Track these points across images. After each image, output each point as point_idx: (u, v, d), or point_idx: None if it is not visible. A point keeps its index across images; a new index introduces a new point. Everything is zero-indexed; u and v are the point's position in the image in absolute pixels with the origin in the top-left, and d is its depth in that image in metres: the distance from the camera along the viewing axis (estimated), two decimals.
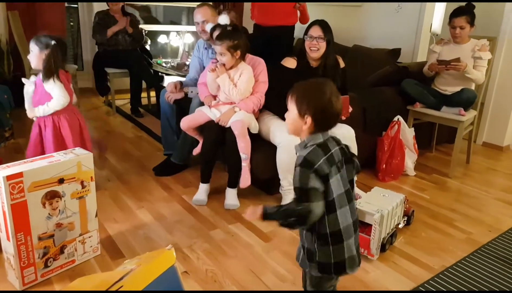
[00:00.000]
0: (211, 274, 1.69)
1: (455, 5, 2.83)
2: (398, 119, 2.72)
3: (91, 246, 1.73)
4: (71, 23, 4.75)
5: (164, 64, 4.09)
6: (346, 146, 1.21)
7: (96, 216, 1.73)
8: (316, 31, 2.27)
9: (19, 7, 3.83)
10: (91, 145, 2.20)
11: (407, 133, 2.75)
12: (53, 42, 1.98)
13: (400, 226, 2.04)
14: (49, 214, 1.55)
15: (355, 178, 1.24)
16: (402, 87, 2.91)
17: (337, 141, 1.19)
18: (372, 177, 2.75)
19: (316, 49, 2.27)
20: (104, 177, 2.55)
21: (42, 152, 2.04)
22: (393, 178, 2.72)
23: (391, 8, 3.93)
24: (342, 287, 1.66)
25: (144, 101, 4.27)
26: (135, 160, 2.87)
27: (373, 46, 3.67)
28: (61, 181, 1.56)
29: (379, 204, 1.87)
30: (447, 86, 2.84)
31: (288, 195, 2.26)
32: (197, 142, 2.42)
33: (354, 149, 2.35)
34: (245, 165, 2.20)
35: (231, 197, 2.27)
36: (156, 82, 4.12)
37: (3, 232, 1.50)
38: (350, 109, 2.31)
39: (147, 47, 4.43)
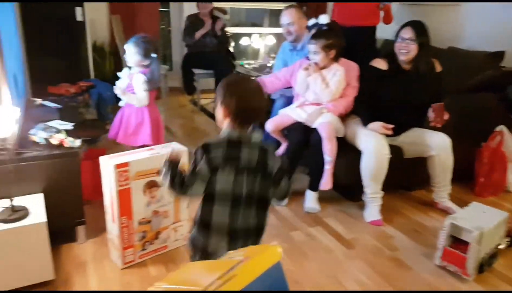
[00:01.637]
0: (290, 274, 1.69)
1: None
2: (501, 129, 2.46)
3: (182, 234, 1.84)
4: (162, 26, 5.12)
5: (246, 66, 4.21)
6: (278, 164, 1.19)
7: (188, 206, 1.83)
8: (407, 32, 2.14)
9: (120, 11, 4.23)
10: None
11: (511, 146, 2.46)
12: (154, 55, 2.12)
13: (501, 246, 1.84)
14: (148, 201, 1.69)
15: (275, 199, 1.23)
16: (508, 94, 2.61)
17: (264, 149, 1.18)
18: (467, 191, 2.52)
19: (405, 51, 2.15)
20: None
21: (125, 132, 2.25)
22: (493, 193, 2.46)
23: (495, 5, 3.55)
24: None
25: None
26: None
27: (470, 48, 3.35)
28: (159, 172, 1.68)
29: (477, 220, 1.71)
30: None
31: (372, 203, 2.17)
32: (279, 143, 2.44)
33: (449, 159, 2.17)
34: (329, 168, 2.15)
35: (311, 200, 2.25)
36: None
37: (109, 214, 1.67)
38: (446, 116, 2.13)
39: (230, 49, 4.60)
